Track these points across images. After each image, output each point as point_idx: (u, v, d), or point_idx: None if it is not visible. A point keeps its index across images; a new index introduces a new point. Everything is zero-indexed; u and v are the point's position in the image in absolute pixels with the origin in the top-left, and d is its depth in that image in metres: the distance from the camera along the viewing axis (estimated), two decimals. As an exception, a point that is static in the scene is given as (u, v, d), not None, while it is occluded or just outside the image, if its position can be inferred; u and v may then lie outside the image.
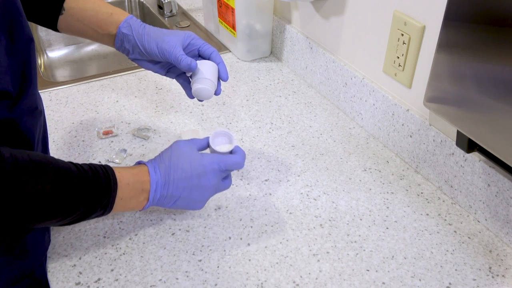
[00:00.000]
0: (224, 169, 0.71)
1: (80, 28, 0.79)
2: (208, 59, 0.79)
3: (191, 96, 0.80)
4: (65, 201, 0.58)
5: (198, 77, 0.77)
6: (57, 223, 0.61)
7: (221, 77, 0.79)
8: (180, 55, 0.74)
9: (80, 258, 0.74)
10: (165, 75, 0.83)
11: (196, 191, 0.70)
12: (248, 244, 0.76)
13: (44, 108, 1.06)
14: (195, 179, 0.69)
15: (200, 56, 0.80)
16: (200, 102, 1.10)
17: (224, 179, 0.75)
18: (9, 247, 0.66)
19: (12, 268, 0.67)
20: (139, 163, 0.71)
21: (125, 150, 0.94)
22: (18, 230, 0.65)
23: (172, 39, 0.75)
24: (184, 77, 0.82)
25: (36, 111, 0.67)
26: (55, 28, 0.78)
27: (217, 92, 0.79)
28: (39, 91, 1.13)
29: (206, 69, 0.77)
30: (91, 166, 0.63)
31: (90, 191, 0.61)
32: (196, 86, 0.77)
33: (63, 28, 0.79)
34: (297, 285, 0.70)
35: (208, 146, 0.75)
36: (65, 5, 0.76)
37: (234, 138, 0.76)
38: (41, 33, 1.50)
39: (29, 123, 0.64)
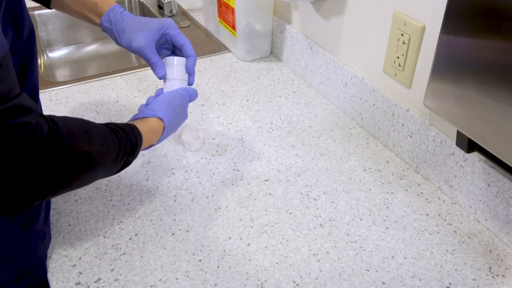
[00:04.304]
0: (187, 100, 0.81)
1: (71, 10, 0.81)
2: (180, 49, 0.82)
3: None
4: (111, 158, 0.63)
5: (167, 81, 0.81)
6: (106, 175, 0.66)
7: (187, 69, 0.82)
8: (151, 58, 0.78)
9: (80, 258, 0.74)
10: None
11: (179, 121, 0.80)
12: (248, 244, 0.76)
13: (44, 108, 1.06)
14: (179, 120, 0.80)
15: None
16: (200, 102, 1.10)
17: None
18: (11, 244, 0.66)
19: (14, 265, 0.67)
20: (155, 115, 0.74)
21: (125, 150, 0.94)
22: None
23: (144, 37, 0.77)
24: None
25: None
26: (48, 6, 0.80)
27: (189, 83, 0.83)
28: (39, 91, 1.13)
29: (173, 69, 0.81)
30: (119, 126, 0.66)
31: (126, 147, 0.65)
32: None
33: (56, 7, 0.80)
34: (297, 285, 0.70)
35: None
36: None
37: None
38: (41, 33, 1.50)
39: None
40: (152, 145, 0.75)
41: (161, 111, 0.75)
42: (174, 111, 0.77)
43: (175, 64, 0.81)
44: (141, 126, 0.70)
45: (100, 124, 0.64)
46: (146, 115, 0.74)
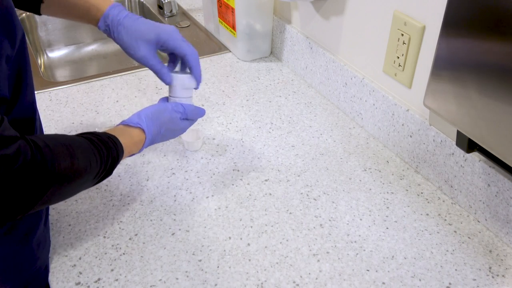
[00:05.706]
0: (184, 116, 0.79)
1: (63, 15, 0.80)
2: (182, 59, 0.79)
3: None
4: (91, 176, 0.63)
5: (172, 99, 0.79)
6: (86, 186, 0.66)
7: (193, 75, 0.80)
8: (157, 68, 0.77)
9: (80, 258, 0.74)
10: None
11: (169, 135, 0.79)
12: (248, 244, 0.76)
13: (44, 108, 1.06)
14: (168, 135, 0.78)
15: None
16: (200, 102, 1.10)
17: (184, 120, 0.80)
18: (16, 253, 0.66)
19: (20, 274, 0.67)
20: (139, 125, 0.73)
21: (125, 150, 0.94)
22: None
23: (145, 48, 0.76)
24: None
25: (31, 116, 0.67)
26: (38, 13, 0.78)
27: (196, 87, 0.81)
28: (39, 92, 1.13)
29: (177, 89, 0.79)
30: (102, 141, 0.65)
31: (106, 160, 0.65)
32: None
33: (47, 13, 0.79)
34: (297, 285, 0.70)
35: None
36: None
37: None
38: (41, 33, 1.50)
39: (22, 128, 0.64)
40: (132, 154, 0.74)
41: (145, 122, 0.74)
42: (161, 125, 0.75)
43: (182, 85, 0.79)
44: (124, 138, 0.70)
45: (84, 139, 0.63)
46: (130, 123, 0.73)
